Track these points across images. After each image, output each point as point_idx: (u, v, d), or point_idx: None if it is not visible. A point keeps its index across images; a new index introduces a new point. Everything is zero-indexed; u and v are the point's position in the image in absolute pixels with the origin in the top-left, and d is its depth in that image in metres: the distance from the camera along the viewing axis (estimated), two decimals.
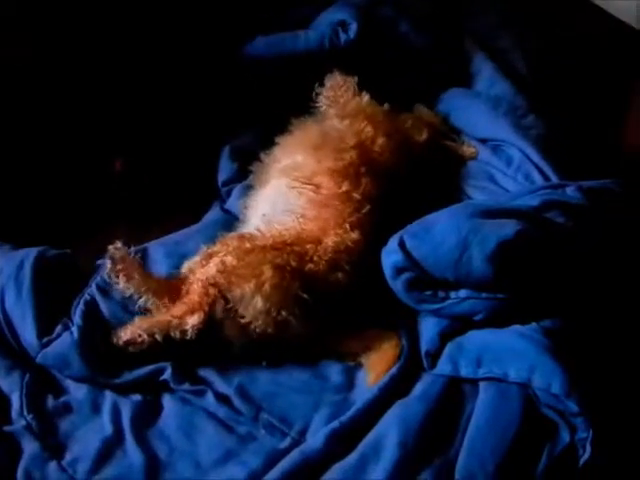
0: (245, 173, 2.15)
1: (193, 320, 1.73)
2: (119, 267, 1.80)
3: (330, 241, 1.81)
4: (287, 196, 1.91)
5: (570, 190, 1.88)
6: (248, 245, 1.78)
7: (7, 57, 2.12)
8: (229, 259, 1.76)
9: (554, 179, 2.02)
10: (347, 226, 1.84)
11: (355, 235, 1.84)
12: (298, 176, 1.93)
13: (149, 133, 2.26)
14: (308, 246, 1.80)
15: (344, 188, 1.90)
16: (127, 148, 2.26)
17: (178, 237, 2.03)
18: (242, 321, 1.73)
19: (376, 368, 1.75)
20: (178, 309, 1.76)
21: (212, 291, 1.75)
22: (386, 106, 2.09)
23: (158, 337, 1.73)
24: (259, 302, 1.71)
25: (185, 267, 1.87)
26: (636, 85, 2.42)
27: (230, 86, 2.31)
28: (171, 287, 1.83)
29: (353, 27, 2.24)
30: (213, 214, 2.14)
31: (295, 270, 1.75)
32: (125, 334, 1.74)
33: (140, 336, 1.73)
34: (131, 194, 2.18)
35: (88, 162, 2.22)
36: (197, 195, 2.19)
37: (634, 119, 2.40)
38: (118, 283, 1.80)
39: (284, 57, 2.29)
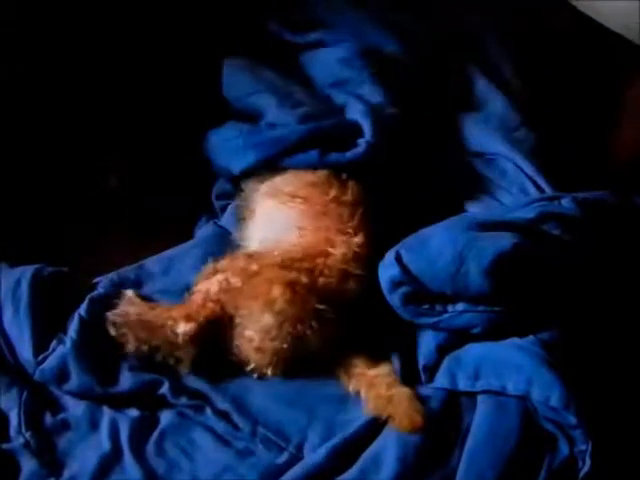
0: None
1: (185, 327, 1.72)
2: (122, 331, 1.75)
3: (337, 251, 1.81)
4: (278, 216, 1.92)
5: (565, 201, 1.90)
6: (255, 267, 1.76)
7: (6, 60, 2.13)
8: (234, 280, 1.75)
9: (548, 191, 2.03)
10: (350, 230, 1.85)
11: (359, 239, 1.84)
12: (283, 195, 1.93)
13: (144, 148, 2.26)
14: (317, 260, 1.79)
15: (332, 194, 1.91)
16: (122, 164, 2.26)
17: (173, 253, 2.03)
18: (248, 336, 1.72)
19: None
20: (176, 312, 1.75)
21: (211, 306, 1.74)
22: None
23: (144, 335, 1.72)
24: (268, 318, 1.70)
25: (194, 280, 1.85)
26: (628, 94, 2.44)
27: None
28: None
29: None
30: (208, 229, 2.13)
31: (307, 285, 1.74)
32: (118, 316, 1.74)
33: (129, 320, 1.72)
34: (126, 210, 2.18)
35: (83, 178, 2.22)
36: (194, 210, 2.19)
37: (627, 128, 2.41)
38: (128, 348, 1.75)
39: None
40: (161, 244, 2.04)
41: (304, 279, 1.74)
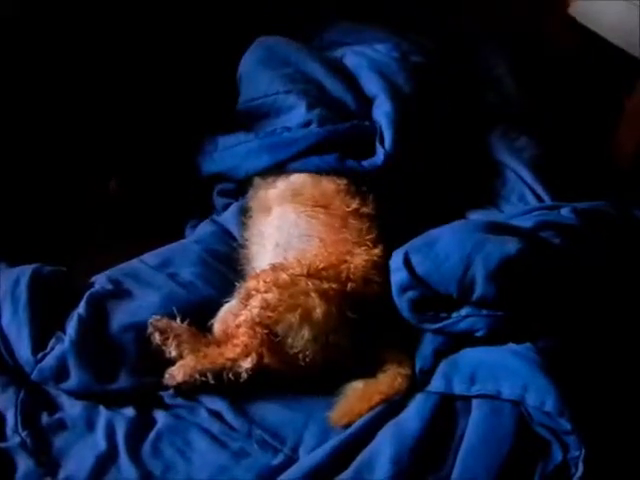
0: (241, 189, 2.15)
1: (247, 363, 1.73)
2: (166, 335, 1.78)
3: (359, 259, 1.82)
4: (297, 222, 1.92)
5: (565, 211, 1.91)
6: (285, 276, 1.75)
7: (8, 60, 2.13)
8: (270, 295, 1.73)
9: (547, 200, 2.05)
10: (369, 243, 1.86)
11: (378, 250, 1.85)
12: (303, 200, 1.94)
13: (143, 151, 2.27)
14: (341, 267, 1.79)
15: (353, 206, 1.92)
16: (121, 167, 2.27)
17: (175, 247, 2.03)
18: (292, 352, 1.73)
19: (349, 407, 1.73)
20: (231, 351, 1.75)
21: (259, 330, 1.73)
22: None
23: (210, 378, 1.73)
24: (306, 331, 1.71)
25: (224, 310, 1.85)
26: (626, 103, 2.45)
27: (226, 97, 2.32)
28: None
29: None
30: (206, 226, 2.13)
31: (338, 292, 1.75)
32: (179, 375, 1.74)
33: (192, 377, 1.73)
34: (125, 212, 2.19)
35: (83, 181, 2.22)
36: (190, 212, 2.20)
37: (623, 137, 2.42)
38: (170, 352, 1.77)
39: None
40: (159, 246, 2.04)
41: (334, 286, 1.75)
